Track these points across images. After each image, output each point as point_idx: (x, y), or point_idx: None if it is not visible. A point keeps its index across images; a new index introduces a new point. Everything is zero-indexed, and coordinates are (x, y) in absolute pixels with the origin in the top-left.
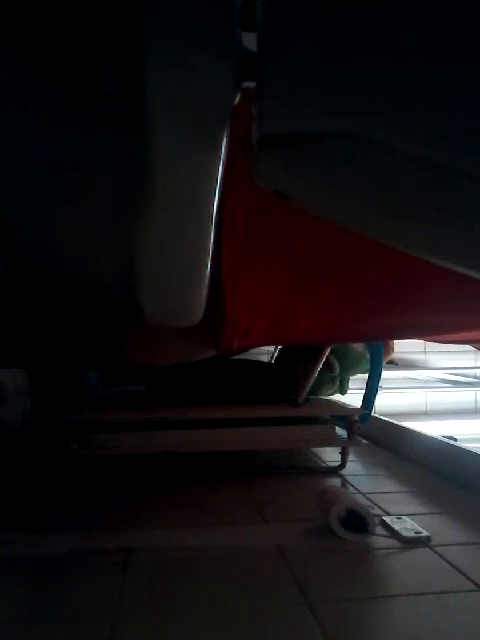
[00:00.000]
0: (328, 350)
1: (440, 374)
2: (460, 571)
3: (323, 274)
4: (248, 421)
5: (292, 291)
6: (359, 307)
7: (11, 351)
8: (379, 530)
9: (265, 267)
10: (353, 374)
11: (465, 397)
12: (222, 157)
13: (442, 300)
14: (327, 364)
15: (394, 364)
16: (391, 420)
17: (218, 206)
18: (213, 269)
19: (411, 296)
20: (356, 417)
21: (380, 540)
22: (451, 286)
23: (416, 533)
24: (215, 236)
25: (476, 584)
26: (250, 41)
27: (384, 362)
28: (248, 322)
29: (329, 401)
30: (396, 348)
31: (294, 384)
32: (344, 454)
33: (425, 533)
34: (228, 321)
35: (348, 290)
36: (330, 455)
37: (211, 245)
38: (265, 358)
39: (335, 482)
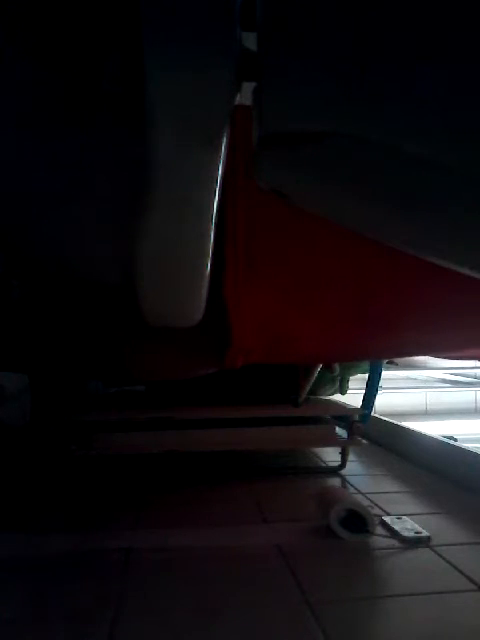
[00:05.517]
0: None
1: (440, 374)
2: (460, 571)
3: (326, 290)
4: (248, 421)
5: (295, 309)
6: (363, 324)
7: (12, 355)
8: (379, 530)
9: (268, 286)
10: (353, 374)
11: (465, 397)
12: (222, 157)
13: (448, 318)
14: (327, 364)
15: (394, 364)
16: (391, 420)
17: (220, 227)
18: (216, 290)
19: (416, 314)
20: (356, 417)
21: (380, 540)
22: (457, 303)
23: (416, 533)
24: (217, 258)
25: (476, 584)
26: (250, 41)
27: (384, 362)
28: (252, 342)
29: (329, 401)
30: None
31: (294, 384)
32: (344, 454)
33: (425, 533)
34: (233, 340)
35: (351, 307)
36: (330, 455)
37: (211, 245)
38: None
39: (335, 482)
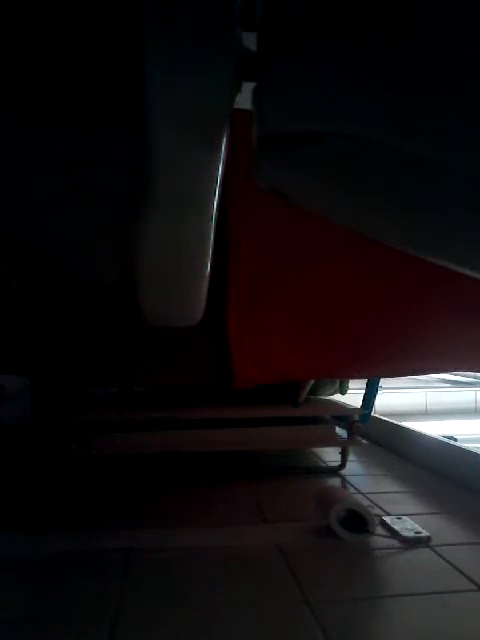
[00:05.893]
0: None
1: (440, 374)
2: (460, 571)
3: (325, 321)
4: (249, 421)
5: (296, 343)
6: (363, 350)
7: (11, 357)
8: (379, 530)
9: (269, 326)
10: None
11: (465, 397)
12: (222, 157)
13: (442, 343)
14: None
15: None
16: (391, 420)
17: (221, 245)
18: (220, 326)
19: (415, 343)
20: (356, 417)
21: (380, 540)
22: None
23: (416, 533)
24: (221, 297)
25: (476, 584)
26: (250, 41)
27: None
28: (256, 374)
29: (329, 401)
30: None
31: (295, 384)
32: (344, 454)
33: (425, 533)
34: (236, 378)
35: (351, 333)
36: (330, 455)
37: (211, 245)
38: None
39: (335, 482)
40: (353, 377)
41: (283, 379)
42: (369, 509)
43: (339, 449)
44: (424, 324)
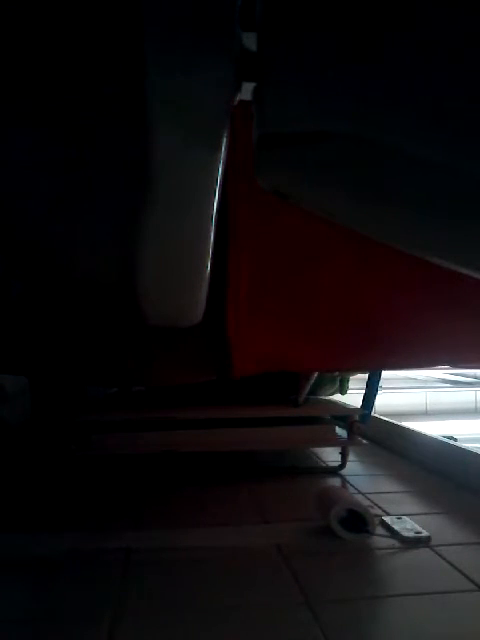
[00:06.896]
0: None
1: (440, 374)
2: (460, 571)
3: (325, 315)
4: (248, 421)
5: (295, 339)
6: (362, 344)
7: (11, 356)
8: (379, 530)
9: (269, 323)
10: (353, 374)
11: (465, 397)
12: (222, 157)
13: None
14: None
15: None
16: (391, 420)
17: (221, 239)
18: (220, 326)
19: (413, 340)
20: (356, 417)
21: (380, 540)
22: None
23: (416, 533)
24: (221, 297)
25: (476, 584)
26: (250, 41)
27: None
28: (253, 368)
29: (329, 401)
30: None
31: (294, 384)
32: (344, 454)
33: (425, 533)
34: (235, 367)
35: (351, 328)
36: (330, 455)
37: (211, 245)
38: None
39: (335, 482)
40: (351, 370)
41: (282, 370)
42: (369, 509)
43: (339, 449)
44: (422, 321)
